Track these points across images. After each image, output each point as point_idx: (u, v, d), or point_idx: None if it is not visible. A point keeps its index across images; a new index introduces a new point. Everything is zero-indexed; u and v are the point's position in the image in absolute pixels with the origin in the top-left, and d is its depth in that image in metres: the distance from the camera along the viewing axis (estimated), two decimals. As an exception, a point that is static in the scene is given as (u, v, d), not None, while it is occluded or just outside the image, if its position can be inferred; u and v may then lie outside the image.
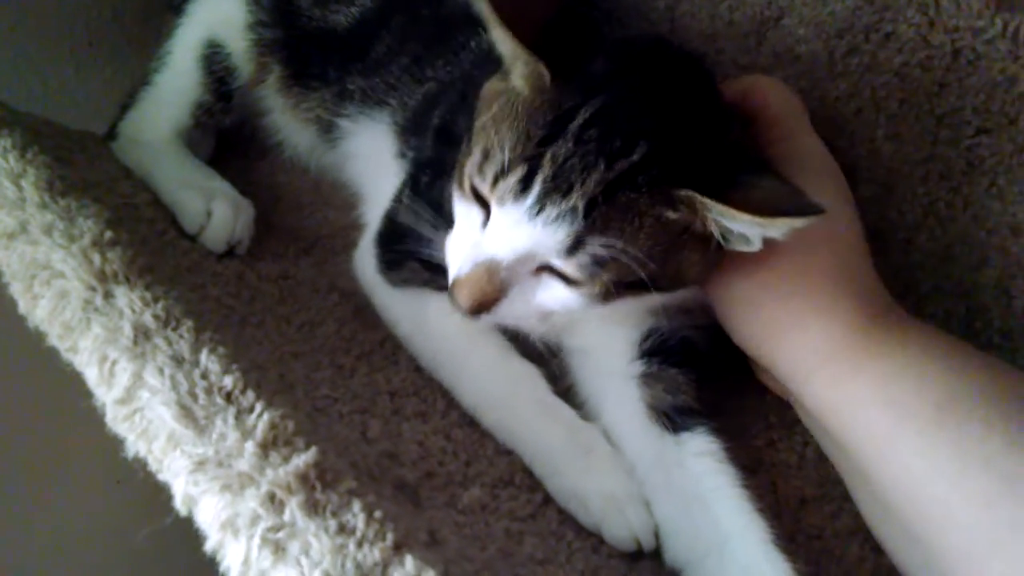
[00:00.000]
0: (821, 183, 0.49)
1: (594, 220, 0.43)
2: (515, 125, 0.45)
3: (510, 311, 0.46)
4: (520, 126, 0.45)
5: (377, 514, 0.39)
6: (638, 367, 0.54)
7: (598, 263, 0.44)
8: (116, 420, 0.45)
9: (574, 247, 0.43)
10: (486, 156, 0.45)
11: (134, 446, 0.44)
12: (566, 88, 0.45)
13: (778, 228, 0.42)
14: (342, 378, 0.54)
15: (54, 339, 0.49)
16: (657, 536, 0.49)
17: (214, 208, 0.63)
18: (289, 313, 0.59)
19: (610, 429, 0.54)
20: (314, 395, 0.50)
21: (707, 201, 0.42)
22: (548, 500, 0.51)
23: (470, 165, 0.46)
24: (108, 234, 0.52)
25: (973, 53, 0.57)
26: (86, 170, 0.63)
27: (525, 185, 0.43)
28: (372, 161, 0.67)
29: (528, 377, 0.54)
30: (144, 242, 0.56)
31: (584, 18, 0.54)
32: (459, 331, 0.55)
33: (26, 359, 0.84)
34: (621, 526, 0.49)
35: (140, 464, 0.43)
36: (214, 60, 0.70)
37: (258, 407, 0.43)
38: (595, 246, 0.43)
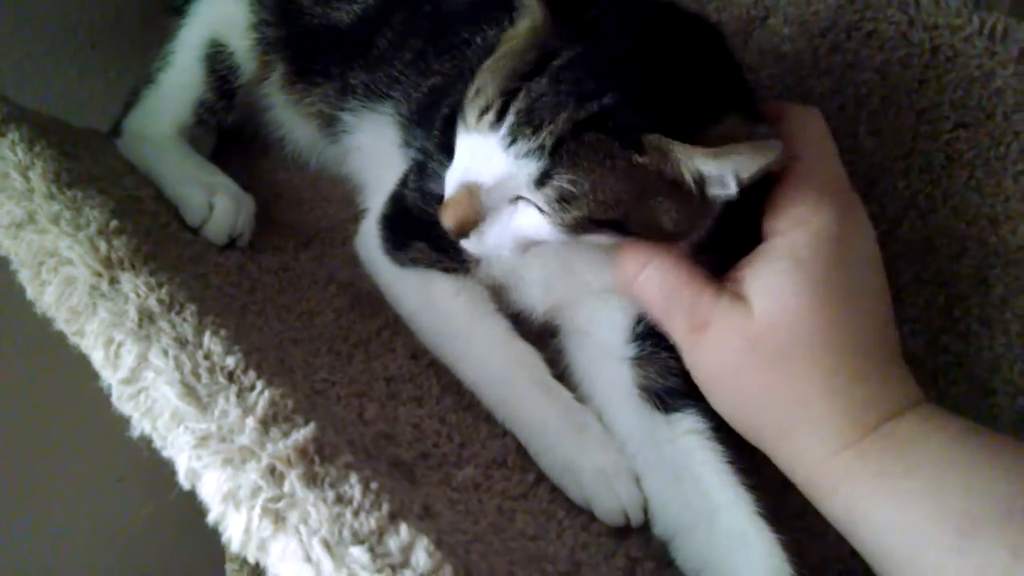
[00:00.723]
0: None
1: (560, 157, 0.45)
2: (507, 64, 0.47)
3: (490, 235, 0.49)
4: (511, 64, 0.47)
5: (373, 486, 0.40)
6: (630, 350, 0.55)
7: (564, 198, 0.45)
8: (121, 399, 0.46)
9: (541, 180, 0.45)
10: (478, 91, 0.48)
11: (139, 424, 0.45)
12: (558, 31, 0.47)
13: (732, 161, 0.43)
14: (340, 364, 0.56)
15: (61, 323, 0.51)
16: (646, 512, 0.51)
17: (216, 202, 0.65)
18: (289, 303, 0.60)
19: (603, 409, 0.56)
20: (313, 378, 0.52)
21: (668, 142, 0.44)
22: (539, 480, 0.53)
23: (466, 99, 0.48)
24: (114, 223, 0.53)
25: (951, 50, 0.59)
26: (91, 164, 0.64)
27: (499, 116, 0.46)
28: (375, 152, 0.69)
29: (528, 357, 0.57)
30: (148, 233, 0.57)
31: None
32: (465, 310, 0.57)
33: (26, 366, 0.86)
34: (611, 499, 0.51)
35: (142, 454, 0.45)
36: (217, 59, 0.72)
37: (259, 385, 0.44)
38: (562, 182, 0.45)
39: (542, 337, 0.60)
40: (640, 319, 0.55)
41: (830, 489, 0.46)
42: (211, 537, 0.42)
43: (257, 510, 0.39)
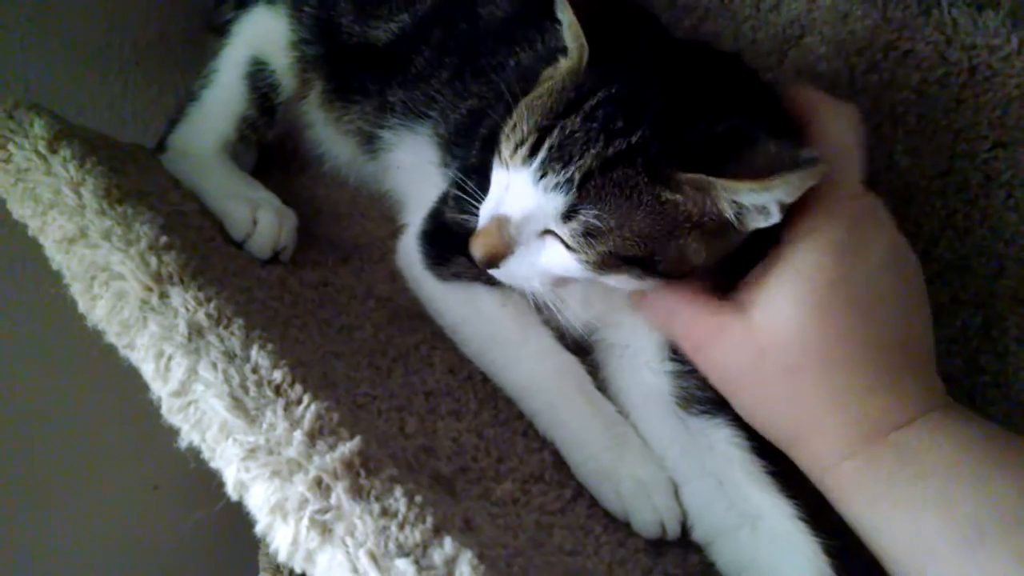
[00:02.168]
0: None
1: (588, 192, 0.46)
2: (545, 102, 0.49)
3: (518, 267, 0.50)
4: (548, 102, 0.49)
5: (417, 499, 0.41)
6: (668, 365, 0.56)
7: (591, 233, 0.47)
8: (171, 411, 0.48)
9: (568, 215, 0.47)
10: (515, 126, 0.49)
11: (188, 436, 0.47)
12: (595, 71, 0.49)
13: (780, 189, 0.44)
14: (380, 378, 0.57)
15: (112, 337, 0.53)
16: (683, 525, 0.52)
17: (260, 216, 0.66)
18: (329, 317, 0.61)
19: (641, 421, 0.57)
20: (355, 392, 0.53)
21: (708, 180, 0.45)
22: (577, 496, 0.54)
23: (503, 133, 0.50)
24: (163, 238, 0.55)
25: (989, 70, 0.59)
26: (140, 180, 0.66)
27: (532, 152, 0.48)
28: (414, 171, 0.70)
29: (574, 367, 0.58)
30: (195, 247, 0.59)
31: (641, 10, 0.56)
32: (512, 319, 0.59)
33: (62, 378, 0.89)
34: (648, 511, 0.52)
35: (178, 465, 0.46)
36: (259, 77, 0.74)
37: (305, 399, 0.45)
38: (588, 216, 0.46)
39: (578, 352, 0.60)
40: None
41: (844, 494, 0.47)
42: (246, 548, 0.43)
43: (304, 522, 0.40)
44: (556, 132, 0.47)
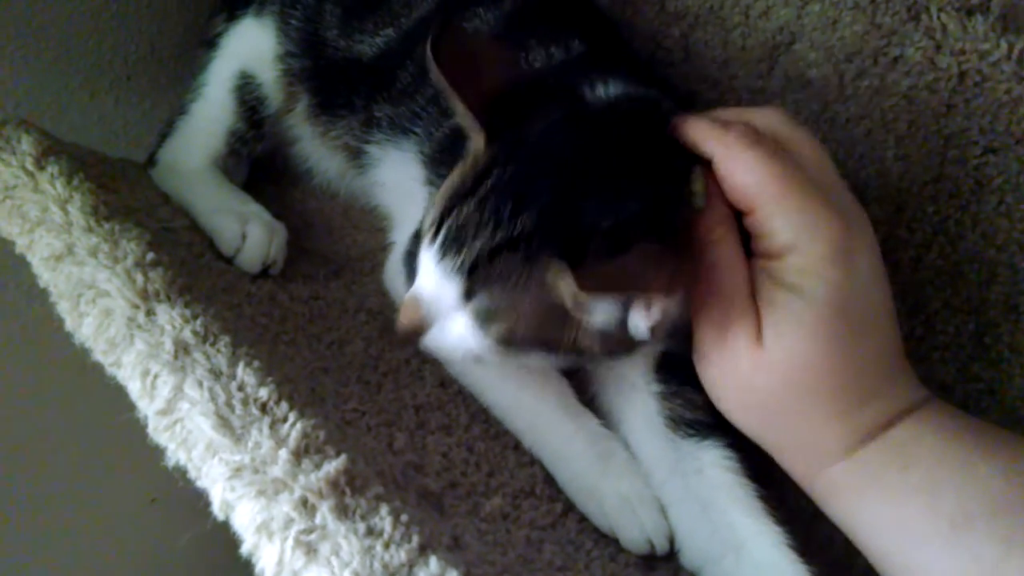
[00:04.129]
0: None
1: (478, 278, 0.46)
2: (454, 181, 0.49)
3: (437, 342, 0.50)
4: (455, 182, 0.49)
5: (403, 518, 0.41)
6: (657, 385, 0.56)
7: (487, 317, 0.47)
8: (157, 430, 0.47)
9: (465, 298, 0.47)
10: (432, 204, 0.49)
11: (174, 455, 0.46)
12: (495, 151, 0.48)
13: (606, 307, 0.43)
14: (369, 393, 0.56)
15: (99, 355, 0.52)
16: (672, 542, 0.51)
17: (249, 231, 0.66)
18: (319, 332, 0.61)
19: (630, 438, 0.57)
20: (343, 408, 0.53)
21: (556, 276, 0.43)
22: (567, 511, 0.53)
23: (428, 203, 0.50)
24: (150, 255, 0.55)
25: (979, 75, 0.59)
26: (128, 196, 0.66)
27: (435, 234, 0.48)
28: (400, 187, 0.70)
29: (556, 384, 0.57)
30: (183, 263, 0.59)
31: (542, 85, 0.53)
32: None
33: (59, 388, 0.88)
34: (635, 527, 0.51)
35: (176, 478, 0.46)
36: (246, 90, 0.74)
37: (291, 417, 0.45)
38: (482, 301, 0.46)
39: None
40: (664, 356, 0.55)
41: (832, 495, 0.47)
42: (243, 565, 0.42)
43: (290, 542, 0.40)
44: (453, 216, 0.47)
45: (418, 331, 0.50)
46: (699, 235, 0.47)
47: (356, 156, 0.73)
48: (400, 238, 0.68)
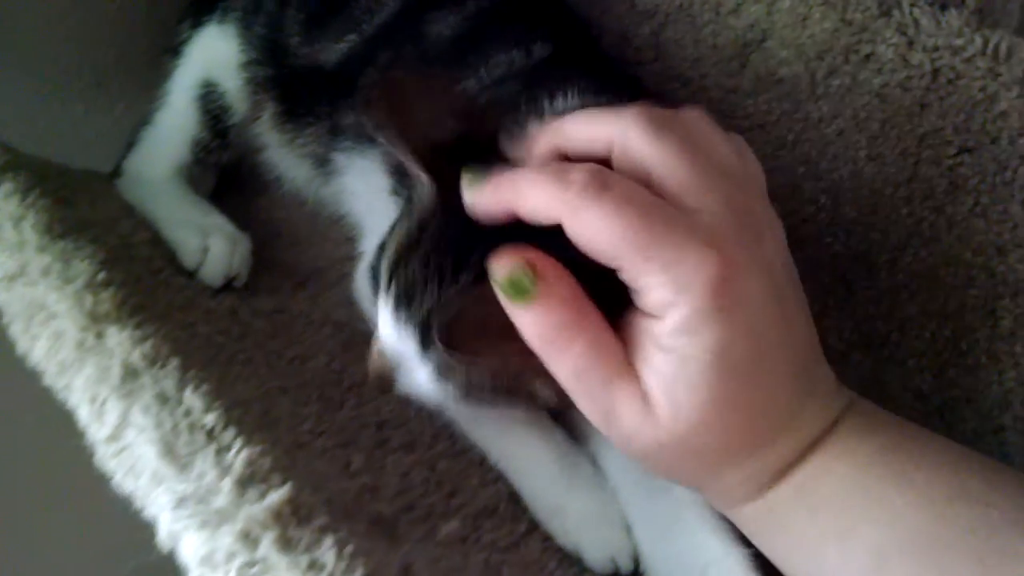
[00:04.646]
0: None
1: (432, 336, 0.44)
2: (404, 228, 0.46)
3: (408, 388, 0.48)
4: (406, 229, 0.46)
5: (348, 550, 0.39)
6: None
7: (443, 372, 0.45)
8: (105, 458, 0.46)
9: (423, 351, 0.45)
10: (385, 252, 0.47)
11: (122, 483, 0.45)
12: (440, 199, 0.45)
13: None
14: (330, 411, 0.55)
15: (50, 379, 0.51)
16: (636, 561, 0.50)
17: (211, 244, 0.65)
18: (280, 348, 0.60)
19: (597, 454, 0.55)
20: (298, 430, 0.51)
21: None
22: (531, 530, 0.52)
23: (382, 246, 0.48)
24: (101, 275, 0.53)
25: (953, 72, 0.57)
26: (87, 210, 0.65)
27: (387, 288, 0.46)
28: (367, 197, 0.68)
29: None
30: (138, 281, 0.58)
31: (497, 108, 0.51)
32: None
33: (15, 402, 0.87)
34: (598, 544, 0.50)
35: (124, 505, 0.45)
36: (210, 99, 0.73)
37: (237, 444, 0.44)
38: (438, 356, 0.44)
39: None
40: None
41: (747, 531, 0.45)
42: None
43: (233, 575, 0.39)
44: (403, 268, 0.45)
45: (386, 380, 0.48)
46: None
47: (323, 164, 0.72)
48: (368, 248, 0.67)
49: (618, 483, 0.53)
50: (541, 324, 0.39)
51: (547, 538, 0.52)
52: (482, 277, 0.41)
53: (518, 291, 0.39)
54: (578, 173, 0.38)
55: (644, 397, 0.39)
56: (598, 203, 0.37)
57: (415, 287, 0.44)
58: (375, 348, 0.49)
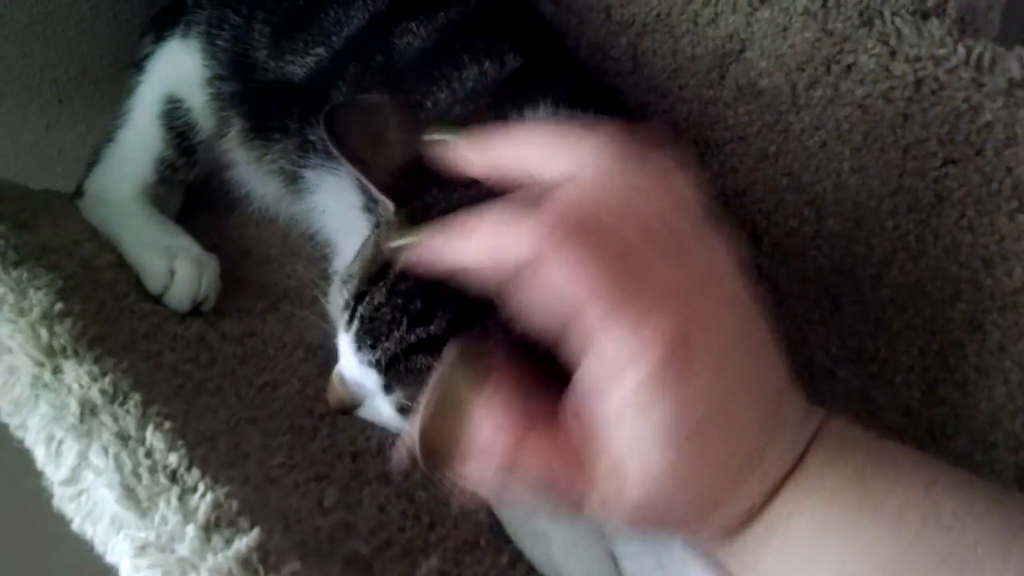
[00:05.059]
0: None
1: (396, 373, 0.42)
2: (367, 257, 0.44)
3: (371, 418, 0.47)
4: (368, 260, 0.44)
5: (321, 598, 0.38)
6: None
7: (406, 410, 0.43)
8: (63, 501, 0.44)
9: (386, 390, 0.43)
10: (348, 278, 0.44)
11: (80, 527, 0.43)
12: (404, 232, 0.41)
13: None
14: (301, 443, 0.53)
15: (4, 416, 0.49)
16: None
17: (177, 267, 0.63)
18: (250, 375, 0.58)
19: None
20: (269, 464, 0.49)
21: None
22: (514, 562, 0.50)
23: (341, 281, 0.45)
24: (58, 306, 0.51)
25: (936, 83, 0.56)
26: (47, 234, 0.62)
27: (350, 320, 0.43)
28: (338, 214, 0.66)
29: None
30: (99, 309, 0.55)
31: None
32: None
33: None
34: (582, 573, 0.48)
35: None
36: (174, 115, 0.70)
37: (202, 486, 0.42)
38: (400, 396, 0.43)
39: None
40: None
41: (728, 569, 0.42)
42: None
43: (198, 627, 0.37)
44: (366, 302, 0.42)
45: (346, 408, 0.47)
46: None
47: (293, 181, 0.70)
48: (339, 265, 0.65)
49: None
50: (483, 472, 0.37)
51: (531, 570, 0.50)
52: (455, 327, 0.40)
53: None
54: (546, 212, 0.34)
55: (612, 468, 0.37)
56: (569, 248, 0.33)
57: (379, 324, 0.42)
58: (336, 375, 0.46)
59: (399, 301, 0.41)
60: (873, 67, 0.58)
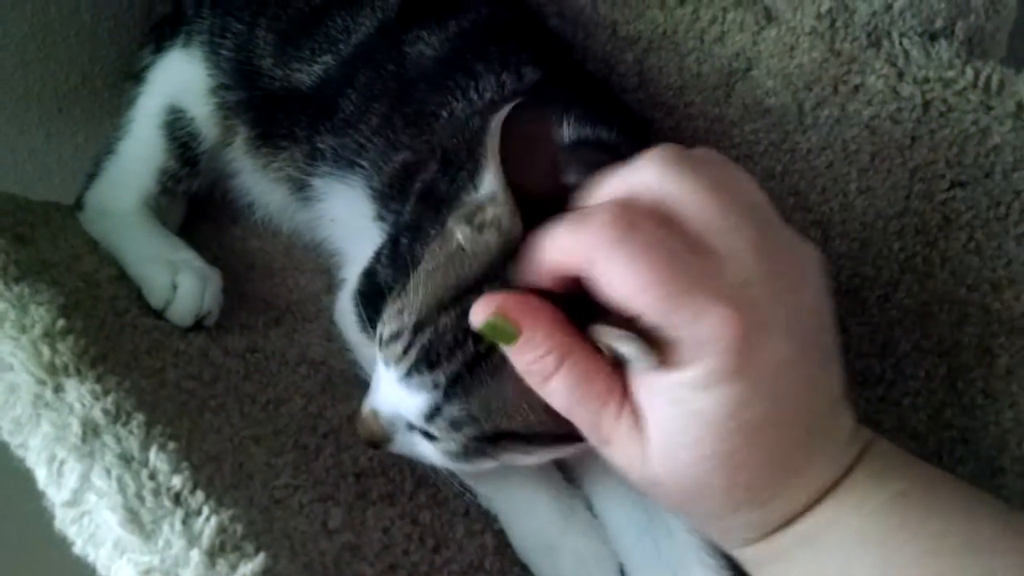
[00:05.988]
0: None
1: (456, 391, 0.42)
2: (436, 284, 0.42)
3: (403, 451, 0.48)
4: (436, 284, 0.42)
5: (328, 625, 0.37)
6: None
7: (454, 425, 0.43)
8: (65, 523, 0.43)
9: (432, 415, 0.43)
10: (399, 310, 0.44)
11: (82, 551, 0.43)
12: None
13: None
14: (305, 461, 0.52)
15: (5, 435, 0.48)
16: None
17: (180, 281, 0.62)
18: (254, 391, 0.57)
19: (597, 496, 0.53)
20: (273, 484, 0.49)
21: None
22: (519, 585, 0.50)
23: (385, 316, 0.45)
24: (60, 322, 0.50)
25: (944, 104, 0.56)
26: (47, 249, 0.62)
27: (404, 352, 0.43)
28: (349, 223, 0.66)
29: None
30: (101, 326, 0.55)
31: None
32: None
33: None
34: None
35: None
36: (177, 126, 0.69)
37: (206, 509, 0.41)
38: (452, 412, 0.43)
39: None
40: None
41: (748, 567, 0.43)
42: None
43: (203, 655, 0.36)
44: (429, 331, 0.42)
45: (379, 443, 0.47)
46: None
47: (300, 189, 0.69)
48: (351, 275, 0.64)
49: (620, 527, 0.51)
50: (526, 358, 0.39)
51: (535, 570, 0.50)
52: None
53: (501, 335, 0.39)
54: (600, 213, 0.36)
55: (640, 435, 0.38)
56: (623, 246, 0.35)
57: (444, 345, 0.41)
58: (367, 409, 0.46)
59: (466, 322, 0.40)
60: (881, 88, 0.58)
